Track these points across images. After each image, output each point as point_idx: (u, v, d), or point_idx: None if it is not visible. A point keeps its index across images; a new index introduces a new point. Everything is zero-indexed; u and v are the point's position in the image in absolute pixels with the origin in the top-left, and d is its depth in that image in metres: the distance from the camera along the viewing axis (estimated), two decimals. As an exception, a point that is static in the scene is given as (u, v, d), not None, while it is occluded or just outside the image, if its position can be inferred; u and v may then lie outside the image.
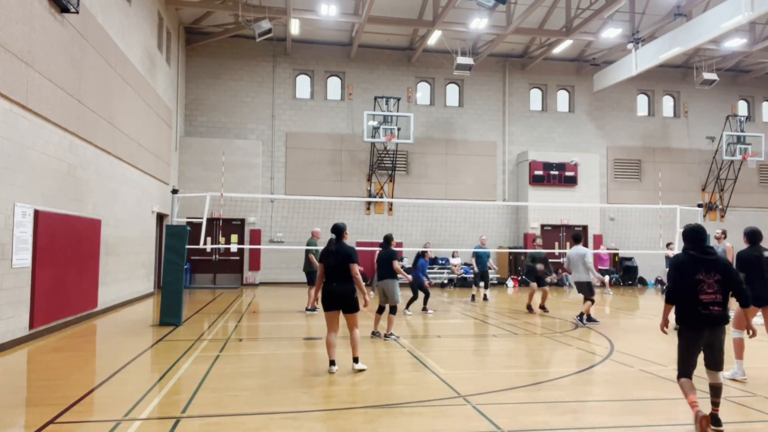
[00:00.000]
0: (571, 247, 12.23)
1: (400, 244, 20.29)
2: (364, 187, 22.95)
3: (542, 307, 13.74)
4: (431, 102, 24.20)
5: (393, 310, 9.85)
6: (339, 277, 7.10)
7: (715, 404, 4.93)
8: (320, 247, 12.97)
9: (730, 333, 7.06)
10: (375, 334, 9.83)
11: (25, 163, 9.00)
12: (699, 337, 4.88)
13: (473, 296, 16.60)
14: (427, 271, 14.84)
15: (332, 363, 7.12)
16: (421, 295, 13.51)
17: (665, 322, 5.21)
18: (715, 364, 4.96)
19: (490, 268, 16.57)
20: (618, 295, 19.44)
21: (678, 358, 5.05)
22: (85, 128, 11.41)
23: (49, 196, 9.84)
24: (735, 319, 7.03)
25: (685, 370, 4.97)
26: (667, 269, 5.01)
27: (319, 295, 7.39)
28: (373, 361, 7.79)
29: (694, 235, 4.98)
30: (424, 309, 13.56)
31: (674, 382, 6.72)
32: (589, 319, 11.66)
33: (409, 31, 22.14)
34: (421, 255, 13.76)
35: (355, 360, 7.15)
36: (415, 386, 6.50)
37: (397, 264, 9.91)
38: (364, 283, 7.45)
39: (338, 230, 7.29)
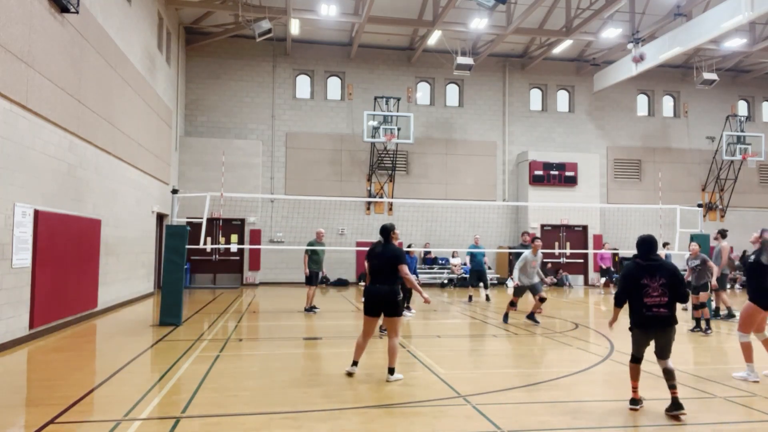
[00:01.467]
0: None
1: (399, 245, 20.26)
2: (364, 187, 22.95)
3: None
4: (431, 102, 24.20)
5: None
6: (383, 278, 6.84)
7: (672, 387, 5.36)
8: (317, 247, 13.09)
9: (737, 337, 6.99)
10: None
11: (25, 163, 9.00)
12: (646, 336, 5.50)
13: (470, 297, 16.60)
14: (416, 269, 14.65)
15: (354, 363, 7.00)
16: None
17: (614, 320, 5.85)
18: (663, 354, 5.49)
19: (489, 268, 16.48)
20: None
21: (632, 344, 5.65)
22: (85, 128, 11.42)
23: (49, 196, 9.84)
24: (741, 323, 6.94)
25: (635, 352, 5.60)
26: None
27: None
28: (373, 361, 7.78)
29: (642, 245, 5.56)
30: (407, 308, 13.12)
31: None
32: (506, 317, 11.82)
33: (409, 31, 22.14)
34: (406, 253, 13.70)
35: (390, 371, 6.74)
36: (415, 386, 6.50)
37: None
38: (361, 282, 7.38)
39: (386, 231, 7.04)
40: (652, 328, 5.40)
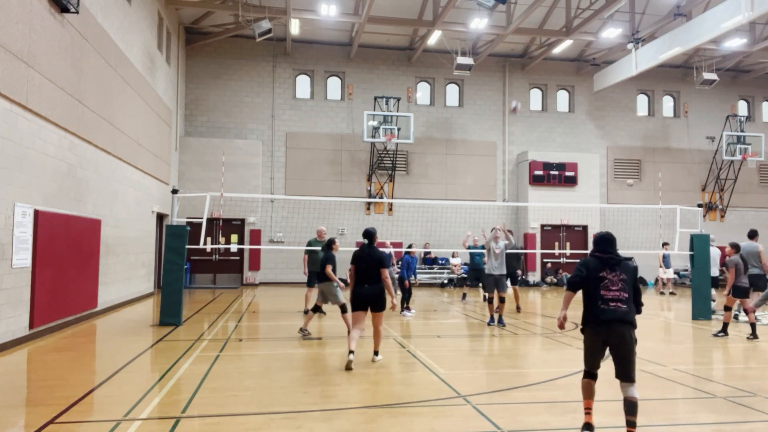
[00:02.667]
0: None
1: (399, 245, 20.28)
2: (364, 187, 22.95)
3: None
4: (431, 102, 24.19)
5: (343, 308, 9.58)
6: (370, 279, 7.57)
7: (631, 424, 4.53)
8: (315, 247, 12.95)
9: None
10: (302, 331, 9.94)
11: (25, 163, 9.00)
12: (599, 334, 4.76)
13: (464, 294, 16.80)
14: (416, 269, 14.77)
15: (351, 352, 7.38)
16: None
17: (565, 317, 5.01)
18: (624, 374, 4.67)
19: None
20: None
21: (583, 355, 4.95)
22: (85, 128, 11.42)
23: (49, 196, 9.84)
24: None
25: (587, 366, 4.89)
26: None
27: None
28: (371, 360, 7.78)
29: (602, 241, 5.05)
30: (407, 308, 13.28)
31: (673, 381, 6.76)
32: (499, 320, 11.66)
33: (409, 31, 22.13)
34: (406, 253, 13.79)
35: (376, 353, 7.73)
36: (415, 386, 6.50)
37: (329, 269, 9.61)
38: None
39: (370, 235, 7.77)
40: (606, 326, 4.69)
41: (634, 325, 4.74)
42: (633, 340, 4.71)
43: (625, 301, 4.74)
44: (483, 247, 16.61)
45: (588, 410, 4.81)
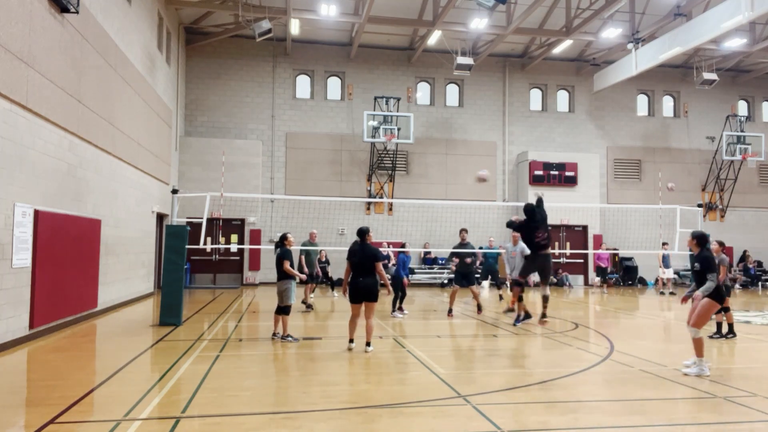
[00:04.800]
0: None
1: (399, 245, 20.25)
2: (364, 187, 22.95)
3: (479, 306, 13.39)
4: (431, 102, 24.19)
5: (286, 310, 9.49)
6: (364, 272, 8.27)
7: (545, 306, 9.08)
8: (310, 248, 13.45)
9: (689, 332, 7.30)
10: (275, 335, 9.60)
11: (25, 163, 9.00)
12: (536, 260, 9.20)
13: (479, 306, 16.91)
14: (417, 269, 14.97)
15: (351, 341, 8.46)
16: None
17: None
18: (544, 280, 9.09)
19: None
20: (618, 295, 19.44)
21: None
22: (85, 128, 11.42)
23: (49, 196, 9.84)
24: (696, 318, 7.21)
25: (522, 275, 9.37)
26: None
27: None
28: (373, 361, 7.79)
29: (527, 214, 9.27)
30: (399, 309, 13.08)
31: (673, 381, 6.79)
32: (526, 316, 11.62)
33: (409, 31, 22.13)
34: (401, 252, 13.79)
35: (368, 344, 8.38)
36: (415, 386, 6.51)
37: (287, 265, 9.46)
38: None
39: (362, 233, 8.49)
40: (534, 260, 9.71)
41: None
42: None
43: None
44: (495, 248, 16.95)
45: (518, 300, 9.07)
